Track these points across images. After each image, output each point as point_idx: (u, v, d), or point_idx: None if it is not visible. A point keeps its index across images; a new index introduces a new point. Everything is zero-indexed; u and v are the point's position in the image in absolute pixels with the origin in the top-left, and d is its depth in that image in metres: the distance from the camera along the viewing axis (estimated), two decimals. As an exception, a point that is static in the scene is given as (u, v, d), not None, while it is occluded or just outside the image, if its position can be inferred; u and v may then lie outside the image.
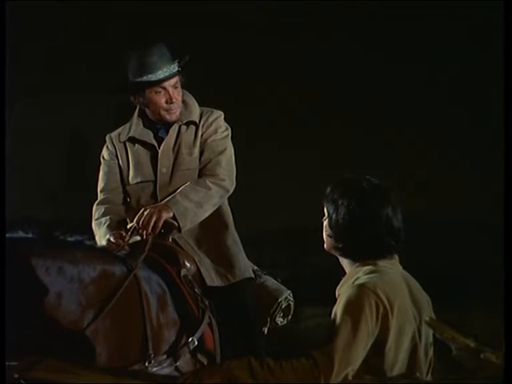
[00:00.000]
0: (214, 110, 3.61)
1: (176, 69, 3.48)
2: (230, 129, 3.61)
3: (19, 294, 2.62)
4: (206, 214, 3.41)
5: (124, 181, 3.58)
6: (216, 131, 3.55)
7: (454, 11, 8.58)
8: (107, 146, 3.64)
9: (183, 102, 3.55)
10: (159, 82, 3.44)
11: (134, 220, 3.29)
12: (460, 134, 9.09)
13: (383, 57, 9.12)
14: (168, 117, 3.51)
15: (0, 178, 2.83)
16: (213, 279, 3.39)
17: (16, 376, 2.54)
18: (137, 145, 3.56)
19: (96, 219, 3.52)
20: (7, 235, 2.71)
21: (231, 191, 3.53)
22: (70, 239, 2.91)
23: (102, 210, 3.52)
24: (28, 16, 8.00)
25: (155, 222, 3.22)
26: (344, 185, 2.64)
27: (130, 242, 3.29)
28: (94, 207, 3.59)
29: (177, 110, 3.51)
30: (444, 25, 8.88)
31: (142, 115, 3.59)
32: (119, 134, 3.62)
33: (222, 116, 3.61)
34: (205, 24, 8.38)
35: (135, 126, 3.59)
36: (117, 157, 3.59)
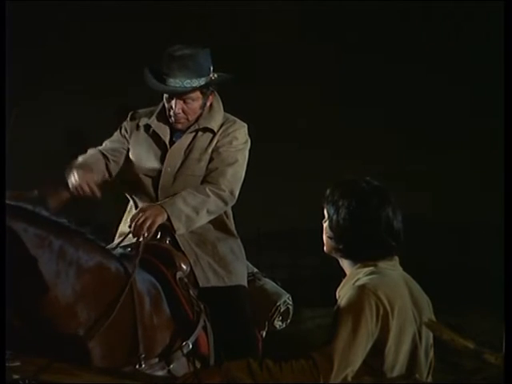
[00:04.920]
0: (238, 121, 3.51)
1: (194, 84, 3.34)
2: (249, 142, 3.51)
3: (19, 267, 2.58)
4: (202, 221, 3.33)
5: (131, 166, 3.50)
6: (231, 142, 3.44)
7: (455, 11, 8.59)
8: (128, 122, 3.55)
9: (210, 105, 3.46)
10: (158, 91, 3.38)
11: (129, 221, 3.22)
12: (461, 135, 9.09)
13: (384, 56, 9.12)
14: (173, 124, 3.44)
15: (0, 178, 2.82)
16: (208, 279, 3.34)
17: (16, 377, 2.54)
18: (151, 135, 3.49)
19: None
20: (10, 202, 2.65)
21: (230, 204, 3.43)
22: (72, 227, 2.89)
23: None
24: (28, 16, 8.00)
25: (149, 227, 3.14)
26: (344, 186, 2.64)
27: (124, 244, 3.27)
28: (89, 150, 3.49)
29: (181, 121, 3.40)
30: (445, 24, 8.89)
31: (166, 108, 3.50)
32: (141, 117, 3.53)
33: (244, 128, 3.51)
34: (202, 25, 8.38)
35: (156, 116, 3.49)
36: (129, 136, 3.52)
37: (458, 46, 8.93)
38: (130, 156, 3.51)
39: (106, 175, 3.46)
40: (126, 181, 3.53)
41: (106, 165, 3.45)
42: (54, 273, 2.67)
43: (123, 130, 3.55)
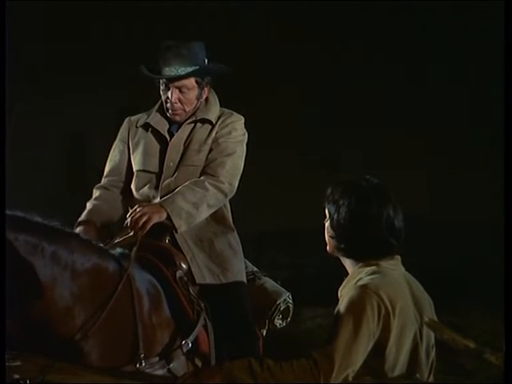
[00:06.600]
0: (235, 113, 3.55)
1: (187, 71, 3.38)
2: (246, 135, 3.54)
3: (15, 274, 2.56)
4: (203, 216, 3.35)
5: (131, 166, 3.53)
6: (230, 133, 3.47)
7: (455, 11, 8.59)
8: (125, 127, 3.60)
9: (206, 99, 3.51)
10: (153, 78, 3.42)
11: (127, 216, 3.23)
12: (461, 134, 9.09)
13: (383, 56, 9.12)
14: (171, 116, 3.48)
15: (0, 178, 2.82)
16: (204, 277, 3.34)
17: (16, 377, 2.53)
18: (150, 132, 3.52)
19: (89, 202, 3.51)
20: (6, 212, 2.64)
21: (229, 196, 3.45)
22: (66, 230, 2.88)
23: (99, 198, 3.50)
24: (28, 16, 8.00)
25: (144, 223, 3.14)
26: (344, 185, 2.64)
27: (123, 241, 3.28)
28: (94, 190, 3.55)
29: (178, 111, 3.44)
30: (445, 24, 8.89)
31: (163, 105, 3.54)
32: (138, 120, 3.58)
33: (242, 121, 3.54)
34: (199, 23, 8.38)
35: (154, 113, 3.54)
36: (128, 142, 3.55)
37: (458, 45, 8.93)
38: (132, 158, 3.53)
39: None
40: (128, 181, 3.55)
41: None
42: (49, 277, 2.66)
43: (119, 138, 3.59)
